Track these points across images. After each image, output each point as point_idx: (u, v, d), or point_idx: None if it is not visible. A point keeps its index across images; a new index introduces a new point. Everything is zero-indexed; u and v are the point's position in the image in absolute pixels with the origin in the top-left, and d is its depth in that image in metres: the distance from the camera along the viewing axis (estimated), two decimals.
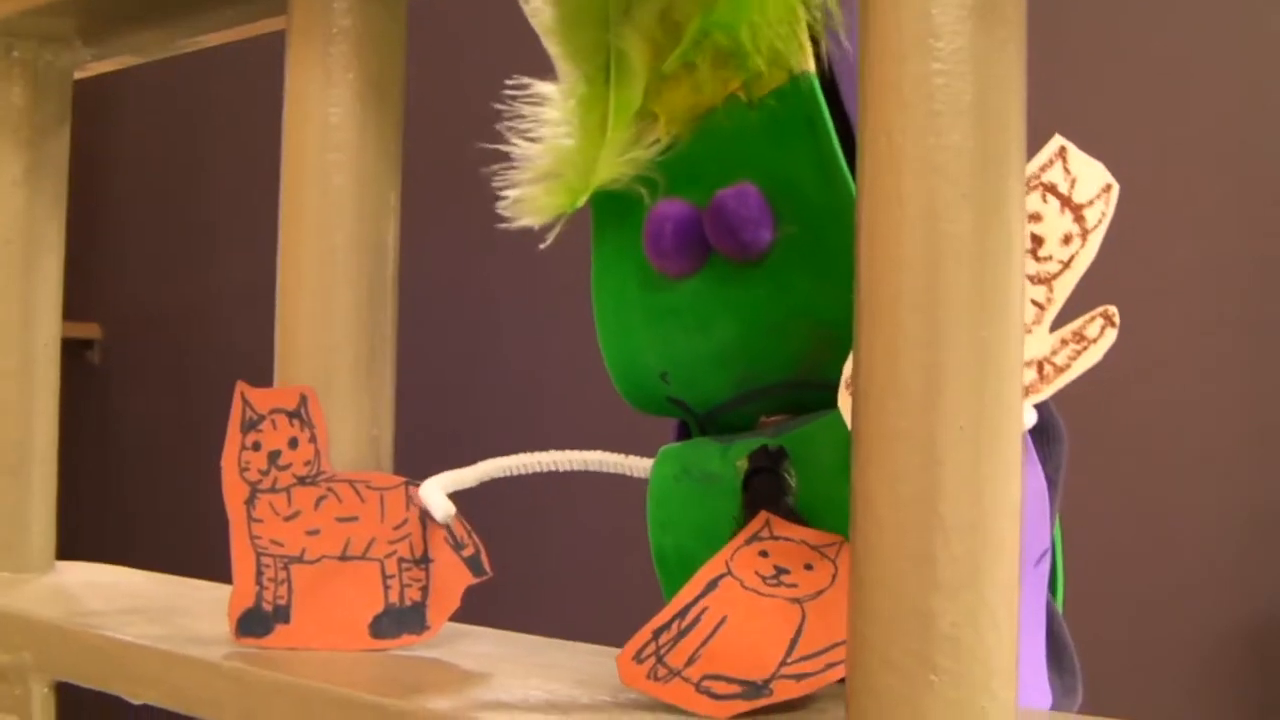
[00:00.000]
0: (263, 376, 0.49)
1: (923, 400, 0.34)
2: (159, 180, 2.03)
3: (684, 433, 0.49)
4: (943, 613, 0.33)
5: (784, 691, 0.38)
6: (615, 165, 0.46)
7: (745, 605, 0.40)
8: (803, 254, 0.44)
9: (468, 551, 0.47)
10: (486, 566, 0.47)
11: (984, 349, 0.34)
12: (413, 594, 0.47)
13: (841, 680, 0.38)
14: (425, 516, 0.47)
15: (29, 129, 0.60)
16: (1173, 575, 1.25)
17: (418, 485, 0.47)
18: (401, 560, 0.47)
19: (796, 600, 0.39)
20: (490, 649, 0.47)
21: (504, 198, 0.47)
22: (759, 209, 0.44)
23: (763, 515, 0.42)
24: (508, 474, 0.47)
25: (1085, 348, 0.40)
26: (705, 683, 0.38)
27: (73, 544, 0.63)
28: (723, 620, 0.39)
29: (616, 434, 0.55)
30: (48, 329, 0.61)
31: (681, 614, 0.40)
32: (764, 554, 0.41)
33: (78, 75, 0.62)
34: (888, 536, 0.34)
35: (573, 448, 0.48)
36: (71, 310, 0.65)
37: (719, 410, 0.47)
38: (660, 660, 0.39)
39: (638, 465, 0.48)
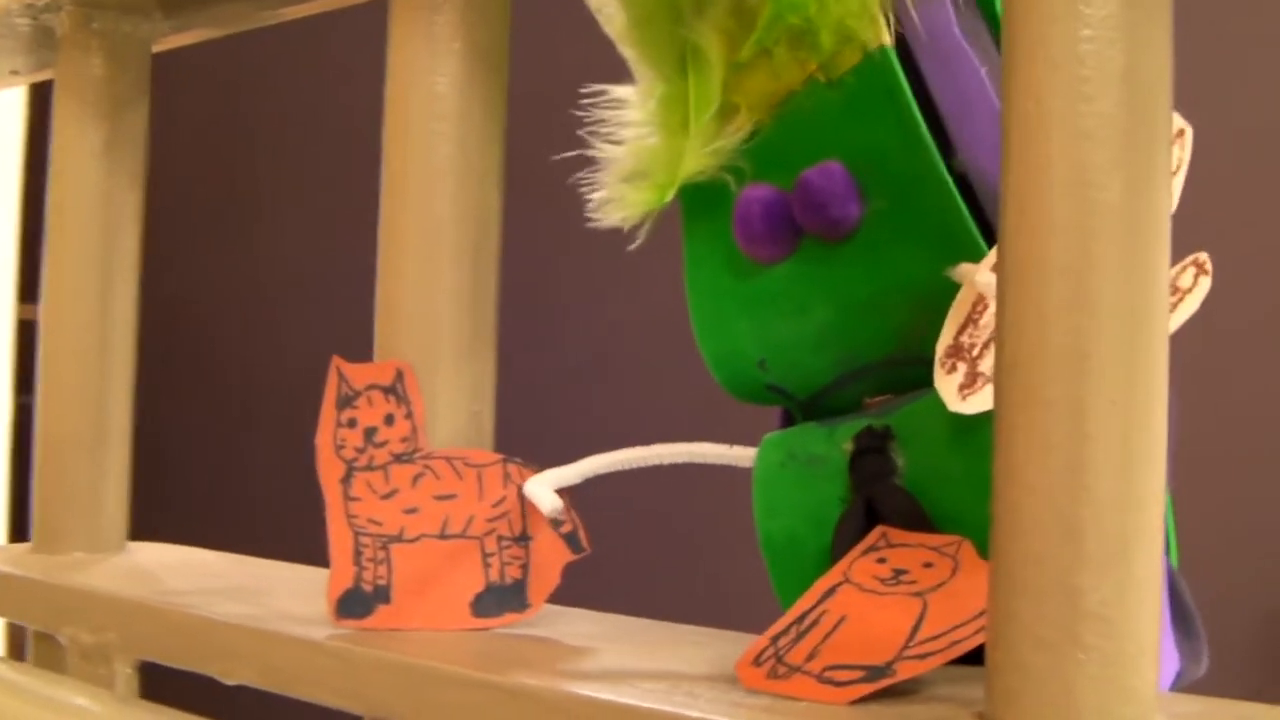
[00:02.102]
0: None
1: (1072, 371, 0.33)
2: (192, 161, 2.03)
3: (787, 421, 0.49)
4: (1092, 589, 0.32)
5: (907, 670, 0.37)
6: (700, 157, 0.45)
7: (865, 603, 0.39)
8: (892, 227, 0.43)
9: (566, 528, 0.46)
10: (585, 543, 0.46)
11: (1133, 319, 0.33)
12: (513, 572, 0.46)
13: (963, 660, 0.37)
14: (523, 495, 0.46)
15: (108, 101, 0.59)
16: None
17: (516, 462, 0.46)
18: (501, 538, 0.46)
19: (918, 594, 0.39)
20: (593, 628, 0.46)
21: (590, 200, 0.47)
22: (845, 184, 0.43)
23: (879, 529, 0.42)
24: (612, 470, 0.47)
25: (1181, 298, 0.39)
26: (826, 672, 0.37)
27: None
28: (842, 619, 0.39)
29: (704, 426, 0.54)
30: (125, 306, 0.60)
31: (799, 620, 0.39)
32: (881, 560, 0.40)
33: (156, 48, 0.61)
34: (1036, 510, 0.33)
35: (660, 438, 0.48)
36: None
37: (820, 394, 0.46)
38: (780, 660, 0.38)
39: (743, 455, 0.47)
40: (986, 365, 0.40)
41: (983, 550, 0.40)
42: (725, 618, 0.51)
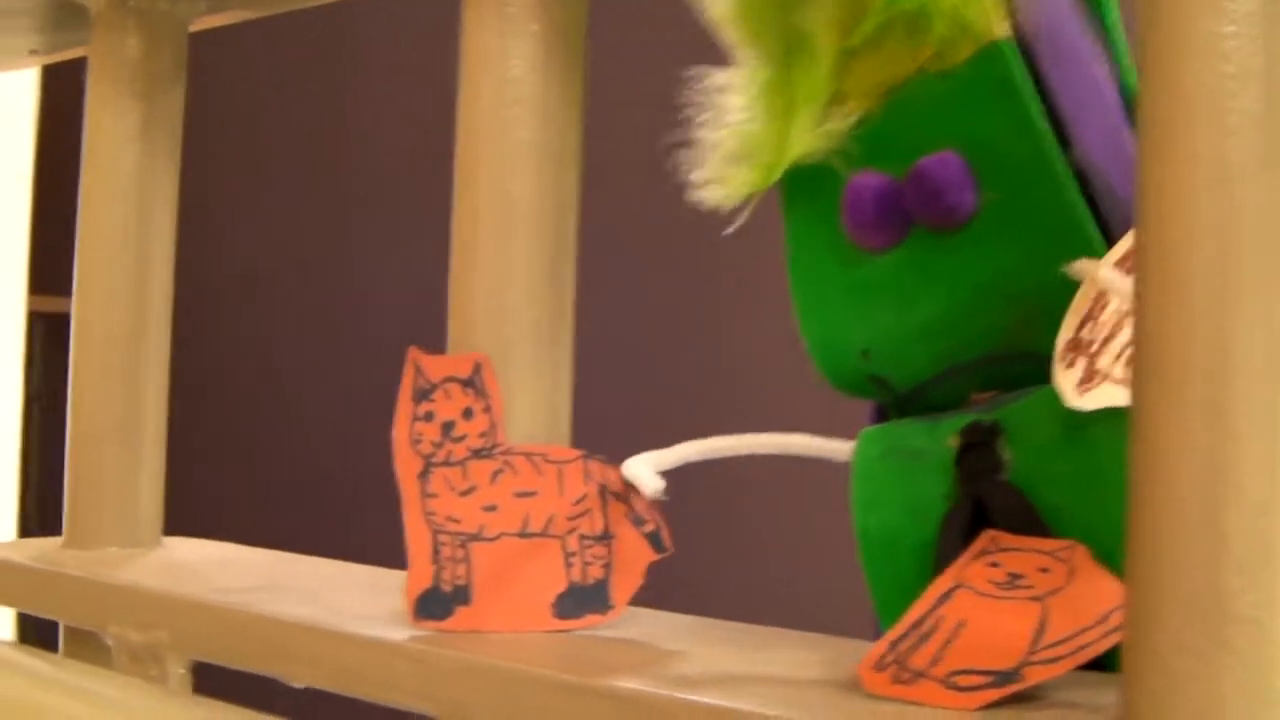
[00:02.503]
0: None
1: (1215, 370, 0.32)
2: (234, 144, 2.00)
3: (880, 417, 0.48)
4: (1241, 592, 0.31)
5: (1035, 675, 0.36)
6: (809, 139, 0.44)
7: (983, 609, 0.38)
8: (1007, 220, 0.42)
9: (649, 527, 0.45)
10: (667, 543, 0.44)
11: (1278, 317, 0.32)
12: (595, 572, 0.44)
13: (1090, 665, 0.36)
14: (604, 492, 0.44)
15: (144, 81, 0.57)
16: None
17: (596, 459, 0.45)
18: (583, 537, 0.44)
19: (1036, 599, 0.38)
20: (683, 630, 0.44)
21: (686, 181, 0.46)
22: (961, 174, 0.42)
23: (987, 534, 0.40)
24: (706, 457, 0.45)
25: None
26: (953, 678, 0.36)
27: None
28: (961, 623, 0.38)
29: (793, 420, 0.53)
30: (161, 291, 0.58)
31: (918, 624, 0.38)
32: (995, 564, 0.39)
33: (193, 29, 0.59)
34: (1180, 513, 0.32)
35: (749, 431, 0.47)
36: (60, 284, 0.62)
37: (923, 388, 0.45)
38: (903, 665, 0.37)
39: (838, 448, 0.46)
40: (1105, 362, 0.39)
41: (1096, 551, 0.39)
42: (786, 619, 0.50)
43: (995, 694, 0.36)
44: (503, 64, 0.45)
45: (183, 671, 0.49)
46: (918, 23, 0.42)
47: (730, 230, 0.46)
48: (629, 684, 0.37)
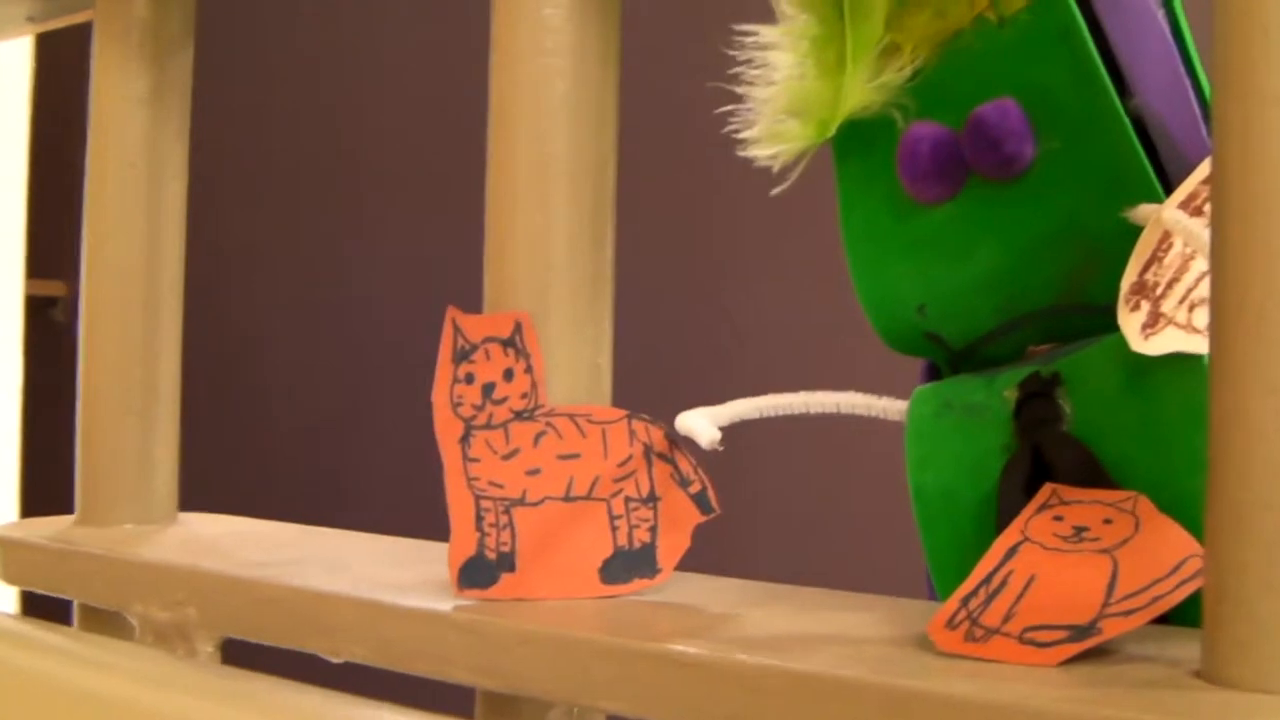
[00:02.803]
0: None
1: None
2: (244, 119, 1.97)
3: (932, 375, 0.46)
4: None
5: (1113, 629, 0.35)
6: (864, 92, 0.43)
7: (1052, 562, 0.37)
8: (1065, 168, 0.41)
9: (695, 488, 0.43)
10: (714, 504, 0.43)
11: None
12: (641, 535, 0.43)
13: (1161, 619, 0.35)
14: (650, 453, 0.43)
15: (153, 44, 0.55)
16: None
17: (642, 418, 0.43)
18: (628, 499, 0.43)
19: (1104, 551, 0.37)
20: (735, 594, 0.43)
21: (737, 140, 0.44)
22: (1020, 122, 0.41)
23: (1048, 486, 0.39)
24: (760, 415, 0.44)
25: None
26: (1028, 634, 0.35)
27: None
28: (1032, 578, 0.37)
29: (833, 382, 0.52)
30: (172, 261, 0.56)
31: (986, 580, 0.37)
32: (1058, 518, 0.38)
33: None
34: (1266, 453, 0.31)
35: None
36: (36, 267, 0.60)
37: (979, 343, 0.44)
38: (975, 622, 0.36)
39: (892, 408, 0.45)
40: (1169, 305, 0.38)
41: (1159, 501, 0.38)
42: (833, 581, 0.49)
43: (1073, 649, 0.34)
44: (538, 12, 0.44)
45: (211, 649, 0.47)
46: None
47: (785, 185, 0.45)
48: (693, 649, 0.36)
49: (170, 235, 0.56)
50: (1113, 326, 0.41)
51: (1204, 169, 0.39)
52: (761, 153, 0.45)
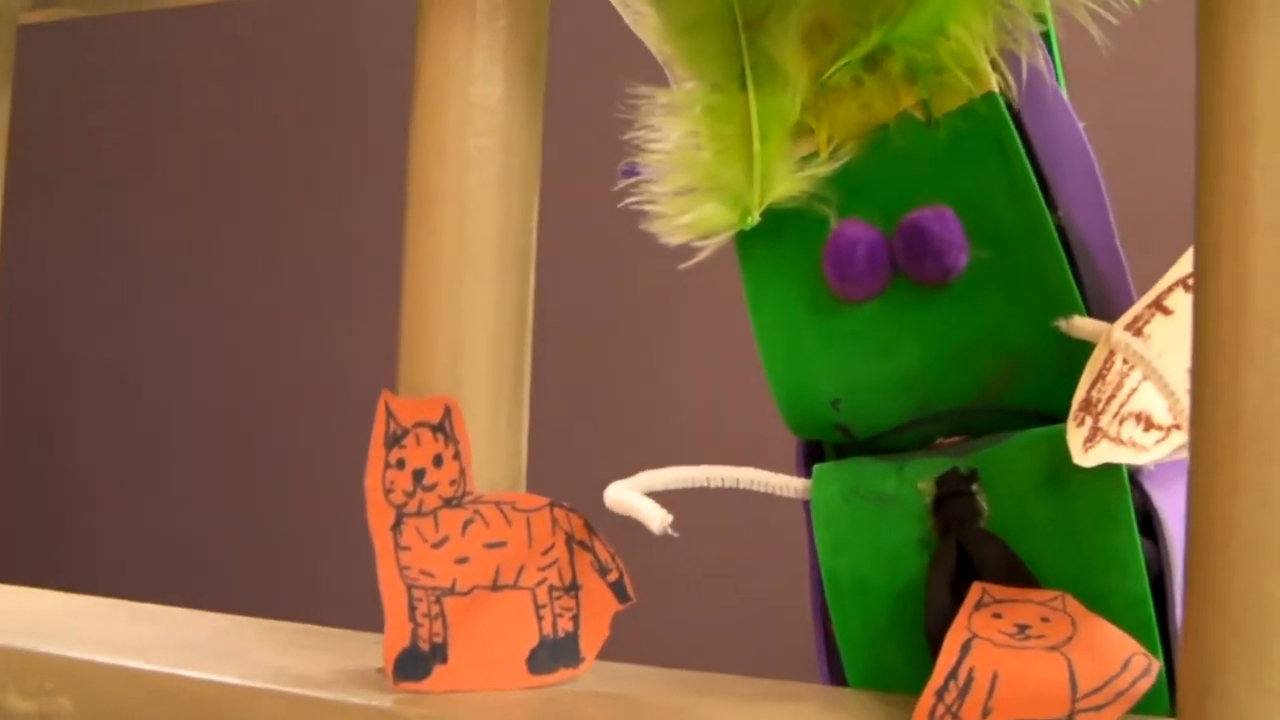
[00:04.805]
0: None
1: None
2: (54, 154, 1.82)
3: (812, 452, 0.47)
4: None
5: None
6: (791, 181, 0.43)
7: (1009, 659, 0.38)
8: (994, 277, 0.42)
9: (613, 577, 0.43)
10: (630, 592, 0.43)
11: None
12: (565, 624, 0.43)
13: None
14: (570, 540, 0.43)
15: None
16: None
17: (563, 506, 0.43)
18: (552, 588, 0.43)
19: (1053, 648, 0.38)
20: (663, 683, 0.43)
21: (635, 208, 0.44)
22: (959, 233, 0.42)
23: (978, 586, 0.41)
24: (662, 488, 0.44)
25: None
26: None
27: None
28: (995, 674, 0.38)
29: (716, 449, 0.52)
30: None
31: (953, 674, 0.38)
32: (998, 615, 0.40)
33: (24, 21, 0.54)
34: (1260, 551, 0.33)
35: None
36: None
37: (886, 435, 0.45)
38: (956, 717, 0.37)
39: (791, 485, 0.45)
40: (1105, 420, 0.40)
41: (1081, 597, 0.40)
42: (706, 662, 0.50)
43: None
44: (467, 90, 0.43)
45: None
46: (909, 68, 0.42)
47: (685, 265, 0.45)
48: None
49: None
50: (1022, 424, 0.43)
51: (1151, 294, 0.41)
52: (669, 231, 0.44)
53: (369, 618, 0.44)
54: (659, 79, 0.46)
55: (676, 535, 0.42)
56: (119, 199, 1.81)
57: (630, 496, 0.42)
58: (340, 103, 1.67)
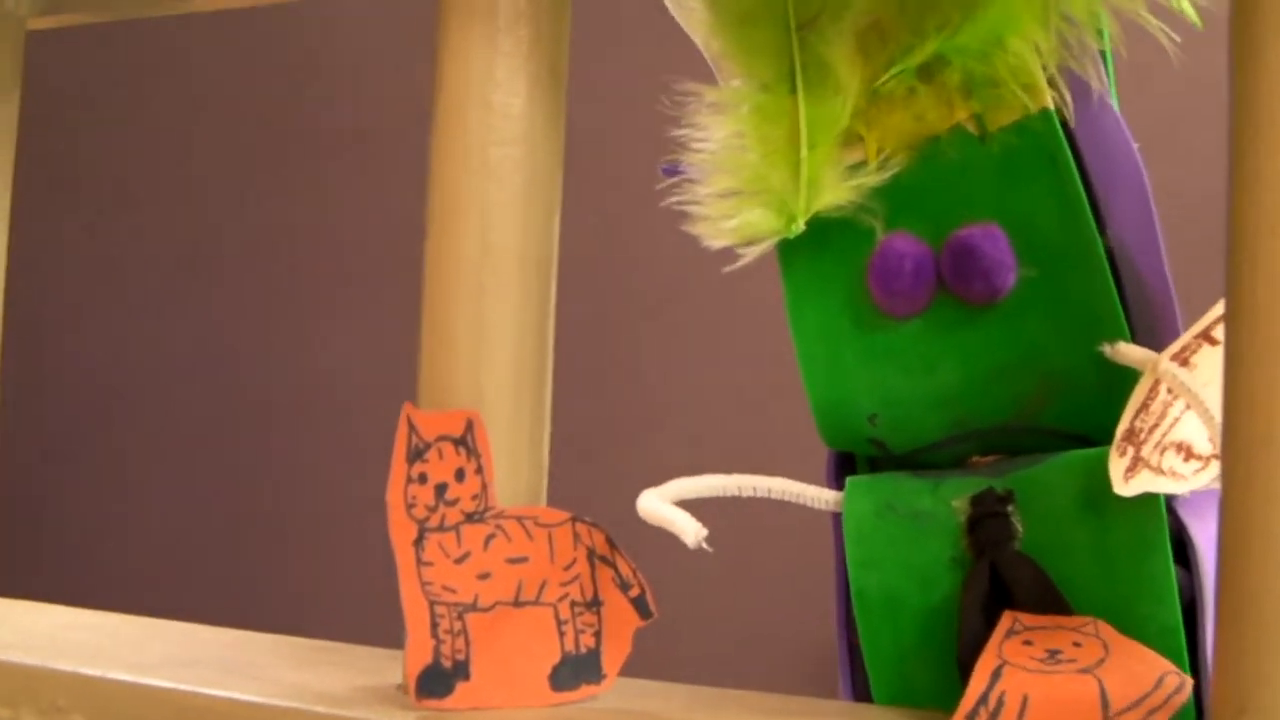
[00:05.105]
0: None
1: None
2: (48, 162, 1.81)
3: (844, 464, 0.47)
4: None
5: None
6: (840, 190, 0.42)
7: (1040, 683, 0.38)
8: (1039, 298, 0.42)
9: (634, 592, 0.43)
10: (652, 608, 0.43)
11: None
12: (587, 640, 0.42)
13: None
14: (592, 555, 0.42)
15: None
16: None
17: (585, 521, 0.42)
18: (574, 604, 0.42)
19: (1084, 670, 0.38)
20: (688, 700, 0.42)
21: (678, 210, 0.44)
22: (1009, 253, 0.42)
23: (1008, 615, 0.40)
24: (694, 496, 0.44)
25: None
26: None
27: None
28: (1025, 698, 0.37)
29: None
30: None
31: (983, 699, 0.38)
32: (1029, 643, 0.39)
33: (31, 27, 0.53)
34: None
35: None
36: None
37: (921, 451, 0.44)
38: None
39: (823, 496, 0.45)
40: (1147, 450, 0.39)
41: (1114, 623, 0.40)
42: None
43: None
44: (489, 98, 0.42)
45: None
46: (966, 80, 0.41)
47: (732, 267, 0.44)
48: None
49: None
50: (1059, 446, 0.43)
51: (1200, 325, 0.40)
52: (712, 234, 0.43)
53: (360, 626, 0.43)
54: (673, 88, 0.45)
55: (710, 550, 0.41)
56: (112, 206, 1.80)
57: (664, 508, 0.42)
58: (334, 113, 1.66)
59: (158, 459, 1.74)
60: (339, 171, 1.64)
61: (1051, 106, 0.41)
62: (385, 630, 0.47)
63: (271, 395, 1.68)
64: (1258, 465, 0.33)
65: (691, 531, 0.41)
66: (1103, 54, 0.43)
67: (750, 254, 0.44)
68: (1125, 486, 0.38)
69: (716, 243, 0.43)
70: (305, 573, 1.63)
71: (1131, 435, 0.39)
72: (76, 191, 1.82)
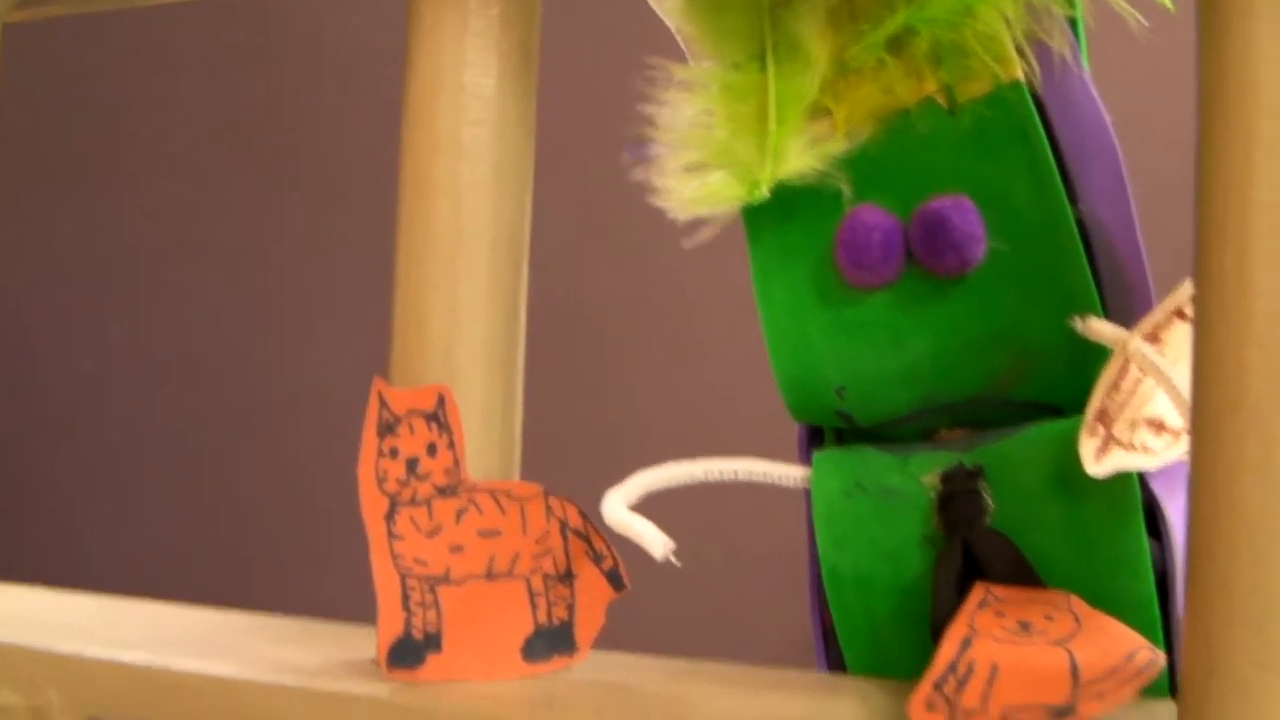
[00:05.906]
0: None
1: None
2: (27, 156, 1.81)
3: (814, 437, 0.47)
4: None
5: (1090, 709, 0.36)
6: (802, 158, 0.42)
7: (1010, 653, 0.38)
8: (1010, 271, 0.42)
9: (607, 565, 0.43)
10: (625, 580, 0.43)
11: None
12: (560, 612, 0.43)
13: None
14: (565, 528, 0.43)
15: None
16: None
17: (556, 495, 0.43)
18: (546, 576, 0.43)
19: (1056, 643, 0.38)
20: (661, 672, 0.43)
21: (643, 187, 0.44)
22: (979, 225, 0.41)
23: (980, 586, 0.40)
24: (662, 487, 0.44)
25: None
26: (1009, 715, 0.36)
27: None
28: (995, 667, 0.38)
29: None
30: None
31: (952, 667, 0.38)
32: (1001, 614, 0.40)
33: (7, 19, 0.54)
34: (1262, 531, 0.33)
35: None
36: None
37: (889, 424, 0.44)
38: (954, 705, 0.37)
39: (790, 474, 0.45)
40: (1118, 429, 0.40)
41: (1088, 597, 0.40)
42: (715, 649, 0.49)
43: None
44: (461, 78, 0.43)
45: None
46: (935, 52, 0.41)
47: (693, 241, 0.44)
48: None
49: None
50: (1028, 417, 0.43)
51: (1171, 301, 0.40)
52: (675, 205, 0.43)
53: (348, 617, 0.44)
54: (643, 69, 0.45)
55: (679, 565, 0.42)
56: (95, 202, 1.80)
57: (632, 520, 0.42)
58: (317, 106, 1.66)
59: (141, 454, 1.75)
60: (327, 169, 1.64)
61: (1022, 78, 0.41)
62: (367, 618, 0.48)
63: (256, 390, 1.68)
64: (1226, 433, 0.33)
65: (659, 545, 0.41)
66: (1073, 22, 0.42)
67: (715, 222, 0.43)
68: (1097, 466, 0.38)
69: (681, 215, 0.43)
70: (291, 566, 1.63)
71: (1103, 415, 0.39)
72: (61, 187, 1.82)
